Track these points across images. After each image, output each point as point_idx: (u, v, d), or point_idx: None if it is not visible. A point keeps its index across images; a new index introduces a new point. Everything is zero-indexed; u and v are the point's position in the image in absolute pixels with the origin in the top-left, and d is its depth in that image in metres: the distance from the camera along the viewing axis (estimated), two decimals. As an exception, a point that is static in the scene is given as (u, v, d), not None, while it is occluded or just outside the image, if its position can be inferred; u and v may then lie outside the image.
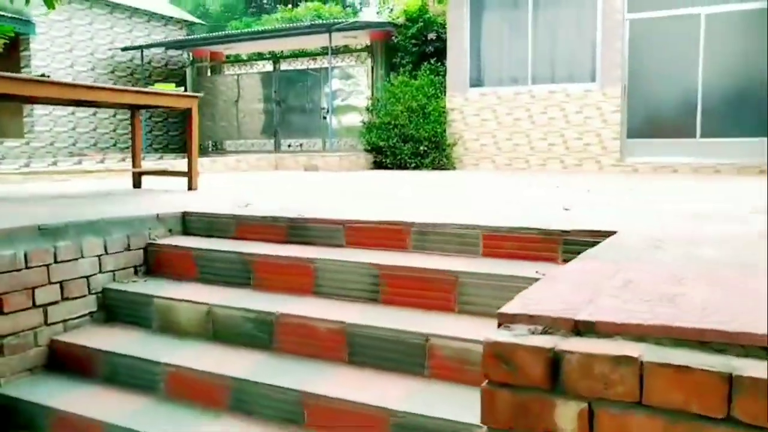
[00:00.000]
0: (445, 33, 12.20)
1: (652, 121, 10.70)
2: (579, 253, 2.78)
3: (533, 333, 1.26)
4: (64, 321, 3.13)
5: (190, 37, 16.84)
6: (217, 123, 15.30)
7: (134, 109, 6.05)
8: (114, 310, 3.30)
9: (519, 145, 11.47)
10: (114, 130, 15.35)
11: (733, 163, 9.71)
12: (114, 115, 15.15)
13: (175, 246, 3.49)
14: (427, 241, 3.12)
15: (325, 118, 13.98)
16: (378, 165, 12.12)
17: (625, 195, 5.26)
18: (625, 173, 10.22)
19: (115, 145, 15.38)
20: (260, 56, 16.38)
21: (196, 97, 5.97)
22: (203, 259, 3.37)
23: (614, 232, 2.63)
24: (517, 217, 3.39)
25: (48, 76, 4.73)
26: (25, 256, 2.95)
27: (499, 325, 1.32)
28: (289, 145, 14.64)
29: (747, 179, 8.11)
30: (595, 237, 2.68)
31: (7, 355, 2.88)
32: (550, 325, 1.26)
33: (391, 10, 17.06)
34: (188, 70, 16.16)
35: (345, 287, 2.98)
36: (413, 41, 12.84)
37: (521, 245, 2.93)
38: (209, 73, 15.93)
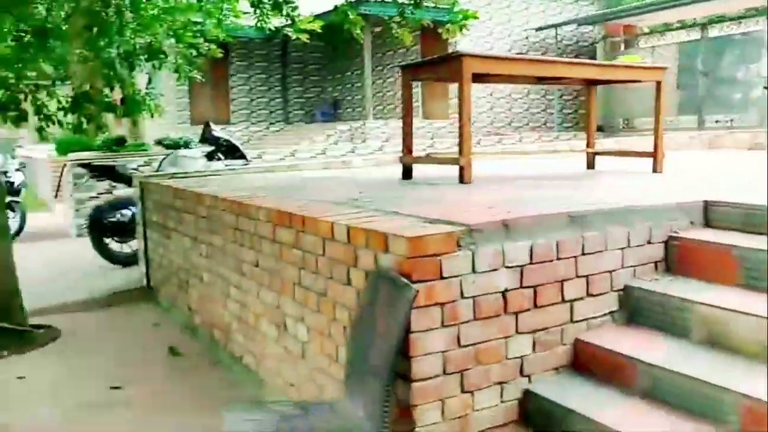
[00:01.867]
0: None
1: None
2: None
3: None
4: (587, 319, 2.84)
5: (603, 11, 16.14)
6: (626, 100, 14.32)
7: (591, 85, 5.73)
8: (636, 311, 2.89)
9: None
10: (527, 110, 15.58)
11: None
12: (527, 95, 15.36)
13: (707, 242, 2.93)
14: None
15: (766, 88, 11.97)
16: None
17: None
18: None
19: (527, 124, 15.61)
20: (666, 27, 14.84)
21: (664, 68, 5.35)
22: (750, 261, 2.74)
23: None
24: None
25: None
26: (557, 245, 2.71)
27: None
28: (717, 121, 12.94)
29: None
30: None
31: (537, 351, 2.69)
32: None
33: None
34: (599, 46, 15.51)
35: None
36: None
37: None
38: (622, 48, 15.03)
